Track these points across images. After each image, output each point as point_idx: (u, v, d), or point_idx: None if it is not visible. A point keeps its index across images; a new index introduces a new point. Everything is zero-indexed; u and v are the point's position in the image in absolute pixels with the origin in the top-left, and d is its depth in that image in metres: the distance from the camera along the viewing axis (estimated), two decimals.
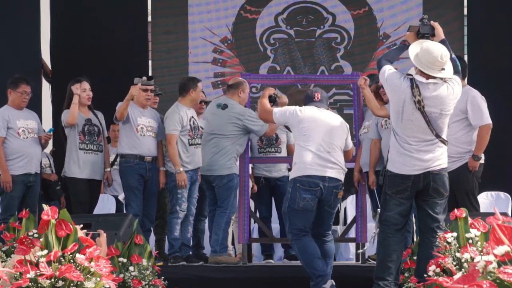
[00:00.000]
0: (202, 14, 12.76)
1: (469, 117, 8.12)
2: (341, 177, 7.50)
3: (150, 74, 11.73)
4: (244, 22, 12.84)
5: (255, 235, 10.25)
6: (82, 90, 9.06)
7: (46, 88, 12.19)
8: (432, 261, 6.36)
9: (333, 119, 7.59)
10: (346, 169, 7.65)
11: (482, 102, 8.20)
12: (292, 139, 9.84)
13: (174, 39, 12.81)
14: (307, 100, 7.71)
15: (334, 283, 7.25)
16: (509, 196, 10.98)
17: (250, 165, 9.43)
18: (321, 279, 7.24)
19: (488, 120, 8.18)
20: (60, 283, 5.55)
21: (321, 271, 7.29)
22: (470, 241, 6.31)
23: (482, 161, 8.28)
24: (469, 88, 8.23)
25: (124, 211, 9.09)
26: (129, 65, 11.61)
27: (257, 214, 9.89)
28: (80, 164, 8.98)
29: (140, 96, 9.03)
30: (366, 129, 8.83)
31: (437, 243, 6.53)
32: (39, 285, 5.55)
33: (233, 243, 10.28)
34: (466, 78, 8.61)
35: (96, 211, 9.37)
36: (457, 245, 6.33)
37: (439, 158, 6.88)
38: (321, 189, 7.37)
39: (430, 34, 6.95)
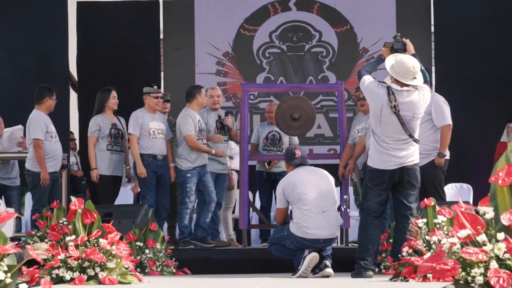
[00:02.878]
0: (207, 32, 12.76)
1: (432, 119, 8.09)
2: (335, 234, 7.45)
3: (162, 84, 11.73)
4: (243, 39, 12.84)
5: (254, 222, 10.26)
6: (112, 97, 9.11)
7: (73, 97, 12.19)
8: (406, 243, 6.38)
9: (322, 179, 7.47)
10: (341, 221, 7.64)
11: (444, 106, 8.13)
12: (294, 138, 9.82)
13: (182, 54, 12.79)
14: (290, 158, 7.55)
15: (312, 250, 7.23)
16: (470, 187, 10.99)
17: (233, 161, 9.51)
18: (299, 253, 7.25)
19: (448, 121, 8.10)
20: (86, 263, 5.57)
21: (293, 251, 7.30)
22: (438, 226, 6.32)
23: (447, 157, 8.26)
24: (434, 94, 8.19)
25: (141, 203, 9.10)
26: (144, 76, 11.59)
27: (259, 204, 9.93)
28: (107, 163, 9.02)
29: (151, 104, 9.06)
30: (361, 132, 8.79)
31: (409, 228, 6.54)
32: (68, 265, 5.57)
33: (234, 229, 10.31)
34: (433, 86, 8.58)
35: (117, 201, 9.39)
36: (427, 229, 6.34)
37: (412, 155, 6.89)
38: (314, 249, 7.28)
39: (402, 49, 6.95)
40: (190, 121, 8.98)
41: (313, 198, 7.29)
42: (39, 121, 8.90)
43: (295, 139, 9.77)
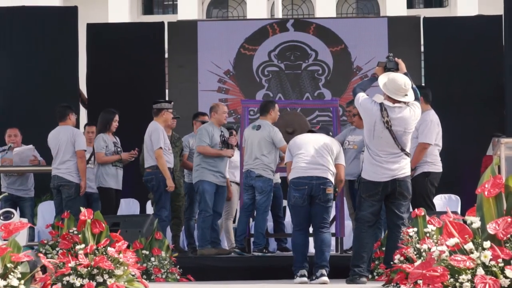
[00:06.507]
0: (209, 51, 12.80)
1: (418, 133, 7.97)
2: (328, 176, 7.32)
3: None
4: (243, 58, 12.88)
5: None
6: (115, 120, 9.14)
7: (83, 113, 12.22)
8: (397, 251, 6.38)
9: (319, 136, 7.50)
10: (335, 171, 7.43)
11: (431, 126, 7.89)
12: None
13: (186, 72, 12.84)
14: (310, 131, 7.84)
15: (306, 273, 7.24)
16: (458, 198, 10.98)
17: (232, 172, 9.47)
18: (295, 268, 7.28)
19: (426, 139, 7.84)
20: (95, 271, 5.57)
21: (298, 262, 7.29)
22: (428, 234, 6.32)
23: (440, 170, 8.14)
24: (429, 112, 7.96)
25: (157, 212, 8.79)
26: (150, 93, 11.63)
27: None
28: (114, 177, 8.99)
29: (168, 119, 9.04)
30: (351, 145, 8.74)
31: (401, 236, 6.53)
32: (78, 272, 5.57)
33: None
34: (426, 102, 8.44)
35: (124, 212, 9.38)
36: (417, 238, 6.34)
37: (404, 168, 6.89)
38: (309, 187, 7.25)
39: (394, 68, 6.95)
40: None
41: (310, 146, 7.36)
42: (82, 135, 9.00)
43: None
